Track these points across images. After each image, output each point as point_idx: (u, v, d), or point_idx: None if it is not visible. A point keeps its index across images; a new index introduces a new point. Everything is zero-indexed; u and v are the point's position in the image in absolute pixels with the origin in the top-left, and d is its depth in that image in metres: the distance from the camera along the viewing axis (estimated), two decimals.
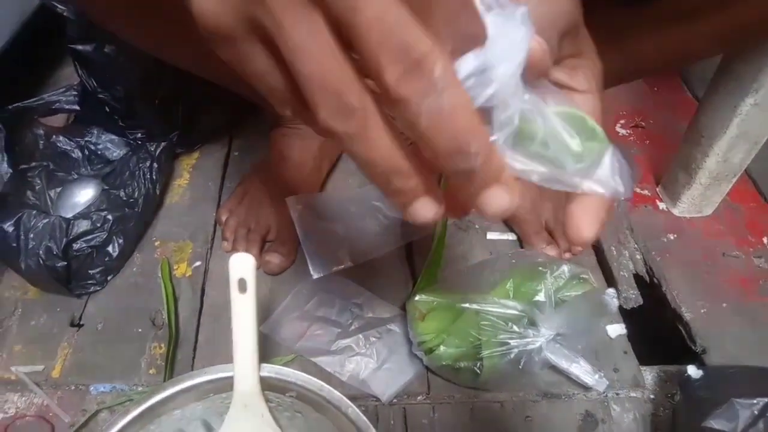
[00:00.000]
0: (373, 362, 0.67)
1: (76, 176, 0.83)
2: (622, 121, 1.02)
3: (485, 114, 0.23)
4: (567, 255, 0.77)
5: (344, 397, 0.48)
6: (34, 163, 0.79)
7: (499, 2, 0.23)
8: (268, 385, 0.49)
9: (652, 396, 0.66)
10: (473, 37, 0.23)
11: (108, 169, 0.82)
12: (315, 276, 0.73)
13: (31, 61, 1.03)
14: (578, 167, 0.25)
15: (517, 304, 0.62)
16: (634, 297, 0.76)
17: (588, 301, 0.63)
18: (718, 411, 0.53)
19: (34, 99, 0.80)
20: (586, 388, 0.65)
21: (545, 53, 0.26)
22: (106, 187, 0.79)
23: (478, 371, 0.61)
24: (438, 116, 0.21)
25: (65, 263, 0.71)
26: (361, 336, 0.69)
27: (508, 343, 0.60)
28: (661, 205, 0.88)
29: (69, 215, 0.74)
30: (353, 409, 0.47)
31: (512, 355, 0.60)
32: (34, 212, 0.70)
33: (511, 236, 0.82)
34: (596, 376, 0.64)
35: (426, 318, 0.65)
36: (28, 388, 0.65)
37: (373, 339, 0.69)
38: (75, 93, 0.82)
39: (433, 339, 0.63)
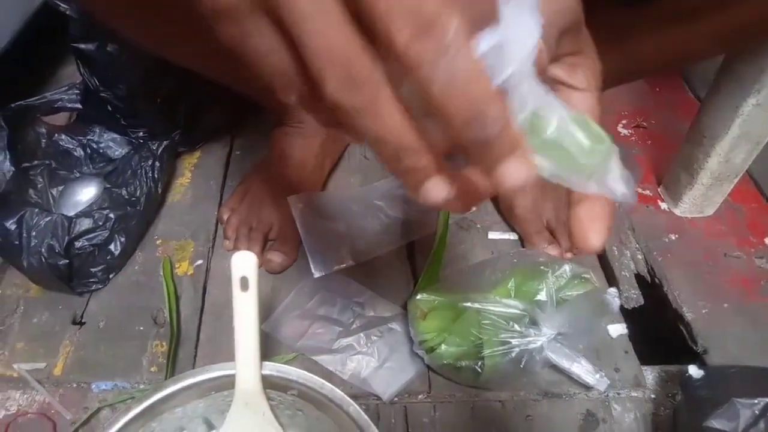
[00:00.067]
0: (374, 361, 0.67)
1: (78, 175, 0.83)
2: (624, 122, 1.02)
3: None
4: (568, 255, 0.77)
5: (345, 396, 0.48)
6: (36, 162, 0.79)
7: None
8: (269, 384, 0.49)
9: (653, 396, 0.66)
10: (485, 15, 0.22)
11: (110, 168, 0.82)
12: (316, 275, 0.73)
13: (33, 60, 1.04)
14: (588, 165, 0.25)
15: (518, 304, 0.62)
16: (635, 297, 0.76)
17: (589, 300, 0.63)
18: (719, 411, 0.53)
19: (37, 97, 0.80)
20: (587, 387, 0.65)
21: (542, 51, 0.26)
22: (108, 186, 0.79)
23: (479, 370, 0.61)
24: (452, 80, 0.20)
25: (67, 261, 0.71)
26: (362, 335, 0.69)
27: (510, 342, 0.60)
28: (663, 205, 0.88)
29: (71, 213, 0.75)
30: (354, 408, 0.47)
31: (513, 355, 0.60)
32: (37, 210, 0.70)
33: (513, 236, 0.82)
34: (597, 376, 0.64)
35: (427, 317, 0.65)
36: (30, 385, 0.65)
37: (375, 338, 0.69)
38: (77, 91, 0.83)
39: (435, 338, 0.64)
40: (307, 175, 0.84)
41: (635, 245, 0.82)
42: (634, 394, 0.66)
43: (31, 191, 0.77)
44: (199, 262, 0.79)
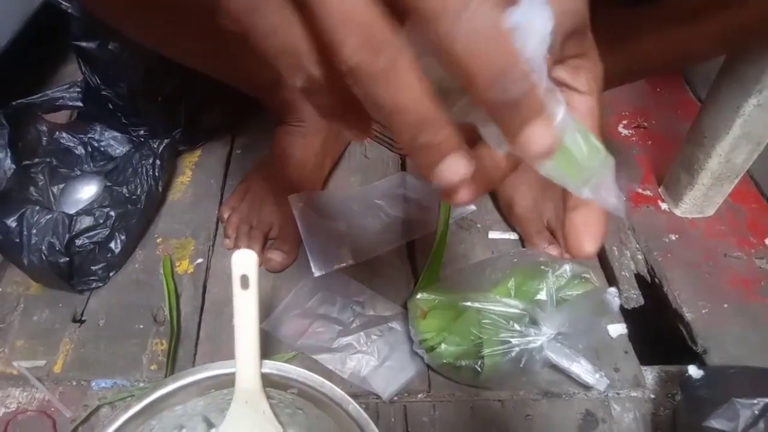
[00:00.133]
0: (374, 360, 0.67)
1: (79, 173, 0.83)
2: (625, 122, 1.02)
3: None
4: (568, 255, 0.77)
5: (345, 394, 0.48)
6: (37, 159, 0.79)
7: None
8: (269, 382, 0.49)
9: (652, 396, 0.66)
10: None
11: (111, 166, 0.82)
12: (316, 274, 0.73)
13: (34, 58, 1.04)
14: (587, 169, 0.25)
15: (518, 303, 0.62)
16: (635, 297, 0.76)
17: (589, 300, 0.63)
18: (719, 411, 0.53)
19: (38, 95, 0.80)
20: (586, 387, 0.65)
21: (552, 47, 0.26)
22: (109, 184, 0.79)
23: (479, 369, 0.61)
24: (476, 37, 0.19)
25: (68, 259, 0.71)
26: (362, 334, 0.69)
27: (509, 342, 0.60)
28: (663, 206, 0.88)
29: (72, 211, 0.75)
30: (354, 406, 0.47)
31: (513, 354, 0.60)
32: (37, 208, 0.71)
33: (513, 235, 0.82)
34: (597, 376, 0.64)
35: (427, 316, 0.65)
36: (29, 383, 0.65)
37: (375, 337, 0.69)
38: (78, 90, 0.83)
39: (434, 337, 0.64)
40: (308, 174, 0.84)
41: (635, 245, 0.82)
42: (633, 394, 0.66)
43: (32, 189, 0.77)
44: (200, 260, 0.79)
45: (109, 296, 0.75)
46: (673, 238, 0.83)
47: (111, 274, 0.76)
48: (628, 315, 0.74)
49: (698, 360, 0.70)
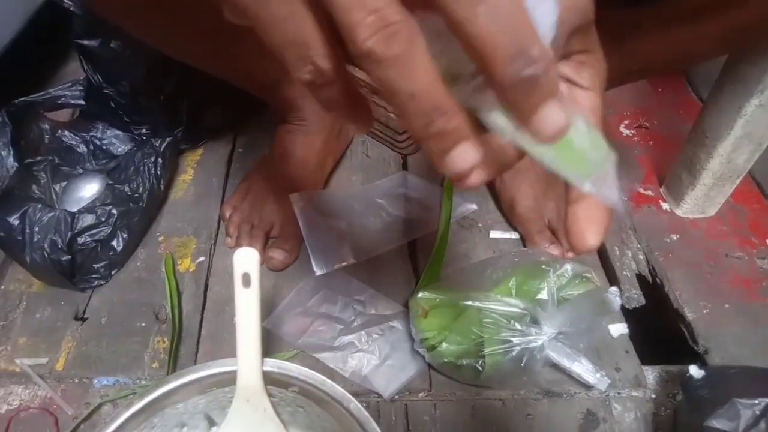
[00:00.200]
0: (375, 359, 0.67)
1: (81, 171, 0.83)
2: (626, 122, 1.02)
3: None
4: (570, 254, 0.77)
5: (346, 393, 0.48)
6: (39, 158, 0.79)
7: None
8: (270, 380, 0.50)
9: (653, 395, 0.66)
10: None
11: (113, 164, 0.83)
12: (318, 272, 0.73)
13: (37, 56, 1.04)
14: (591, 162, 0.25)
15: (519, 302, 0.62)
16: (636, 297, 0.76)
17: (590, 299, 0.63)
18: (720, 411, 0.53)
19: (40, 93, 0.81)
20: (587, 386, 0.65)
21: (558, 37, 0.26)
22: (111, 182, 0.79)
23: (480, 369, 0.61)
24: (497, 13, 0.19)
25: (70, 257, 0.71)
26: (363, 332, 0.69)
27: (510, 341, 0.60)
28: (665, 206, 0.88)
29: (74, 209, 0.75)
30: (355, 405, 0.47)
31: (514, 353, 0.60)
32: (40, 206, 0.71)
33: (514, 235, 0.82)
34: (598, 375, 0.64)
35: (428, 315, 0.65)
36: (32, 380, 0.66)
37: (376, 336, 0.69)
38: (81, 88, 0.83)
39: (436, 336, 0.64)
40: (309, 173, 0.84)
41: (637, 245, 0.82)
42: (634, 393, 0.66)
43: (34, 187, 0.77)
44: (201, 258, 0.79)
45: (111, 294, 0.75)
46: (675, 238, 0.83)
47: (113, 272, 0.76)
48: (629, 315, 0.74)
49: (699, 360, 0.70)
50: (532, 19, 0.20)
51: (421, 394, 0.66)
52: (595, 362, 0.65)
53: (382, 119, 0.91)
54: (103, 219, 0.74)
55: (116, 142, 0.86)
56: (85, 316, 0.72)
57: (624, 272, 0.79)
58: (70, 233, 0.71)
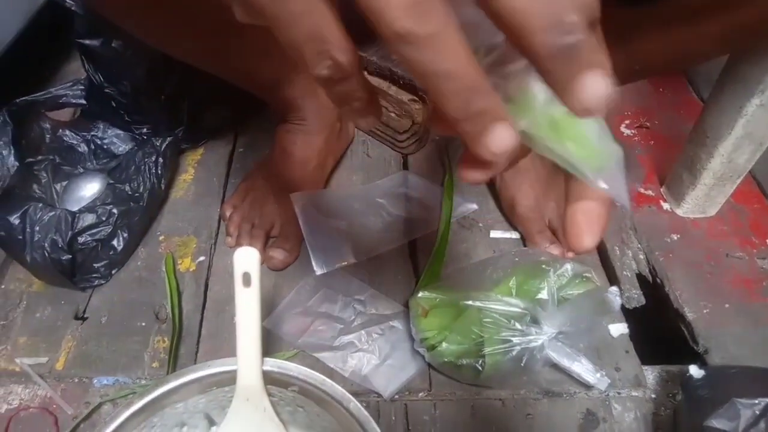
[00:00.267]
0: (375, 358, 0.67)
1: (81, 170, 0.83)
2: (627, 122, 1.02)
3: None
4: (570, 254, 0.77)
5: (346, 392, 0.48)
6: (40, 157, 0.79)
7: None
8: (270, 380, 0.50)
9: (653, 395, 0.66)
10: None
11: (113, 164, 0.83)
12: (318, 272, 0.73)
13: (38, 55, 1.04)
14: (605, 158, 0.25)
15: (519, 302, 0.62)
16: (636, 296, 0.76)
17: (590, 299, 0.63)
18: (720, 411, 0.53)
19: (41, 93, 0.81)
20: (587, 386, 0.65)
21: None
22: (112, 182, 0.79)
23: (480, 368, 0.61)
24: None
25: (70, 256, 0.71)
26: (363, 332, 0.69)
27: (511, 341, 0.60)
28: (665, 206, 0.87)
29: (74, 209, 0.75)
30: (355, 404, 0.47)
31: (514, 353, 0.60)
32: (40, 205, 0.71)
33: (515, 235, 0.82)
34: (598, 375, 0.64)
35: (428, 315, 0.65)
36: (32, 380, 0.66)
37: (376, 335, 0.69)
38: (82, 87, 0.83)
39: (436, 336, 0.64)
40: (310, 173, 0.84)
41: (637, 245, 0.82)
42: (634, 393, 0.66)
43: (35, 186, 0.77)
44: (202, 258, 0.79)
45: (112, 293, 0.75)
46: (675, 237, 0.83)
47: (113, 271, 0.76)
48: (629, 314, 0.74)
49: (699, 360, 0.70)
50: None
51: (421, 394, 0.66)
52: (595, 362, 0.65)
53: (383, 119, 0.91)
54: (104, 218, 0.74)
55: (117, 141, 0.86)
56: (85, 316, 0.72)
57: (624, 272, 0.79)
58: (70, 232, 0.71)
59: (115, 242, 0.75)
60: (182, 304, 0.73)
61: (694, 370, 0.59)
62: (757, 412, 0.52)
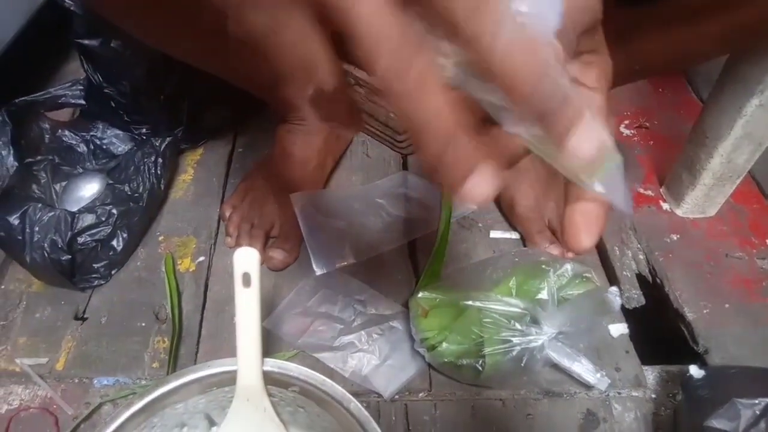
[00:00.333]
0: (375, 358, 0.67)
1: (81, 170, 0.83)
2: (627, 122, 1.02)
3: None
4: (570, 254, 0.77)
5: (346, 393, 0.48)
6: (39, 157, 0.79)
7: None
8: (270, 380, 0.50)
9: (653, 395, 0.66)
10: None
11: (113, 164, 0.83)
12: (318, 272, 0.73)
13: (37, 56, 1.04)
14: (604, 164, 0.25)
15: (519, 302, 0.62)
16: (636, 297, 0.76)
17: (590, 299, 0.63)
18: (720, 411, 0.53)
19: (41, 93, 0.81)
20: (587, 386, 0.65)
21: (567, 32, 0.26)
22: (111, 182, 0.79)
23: (480, 368, 0.61)
24: (513, 49, 0.20)
25: (70, 257, 0.71)
26: (363, 332, 0.69)
27: (511, 341, 0.60)
28: (665, 206, 0.87)
29: (74, 209, 0.75)
30: (355, 404, 0.47)
31: (514, 353, 0.60)
32: (40, 205, 0.71)
33: (515, 235, 0.82)
34: (598, 375, 0.64)
35: (428, 315, 0.65)
36: (32, 380, 0.66)
37: (376, 335, 0.69)
38: (81, 88, 0.83)
39: (436, 336, 0.64)
40: (309, 173, 0.84)
41: (637, 245, 0.82)
42: (634, 393, 0.66)
43: (34, 186, 0.77)
44: (201, 258, 0.79)
45: (111, 294, 0.75)
46: (675, 238, 0.83)
47: (113, 271, 0.76)
48: (629, 315, 0.74)
49: (699, 360, 0.70)
50: (528, 21, 0.21)
51: (421, 394, 0.66)
52: (595, 362, 0.65)
53: (382, 119, 0.91)
54: (103, 219, 0.74)
55: (116, 141, 0.86)
56: (85, 316, 0.72)
57: (624, 272, 0.79)
58: (70, 233, 0.71)
59: (114, 242, 0.75)
60: (182, 304, 0.73)
61: (694, 370, 0.59)
62: (758, 412, 0.52)
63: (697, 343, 0.71)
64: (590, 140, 0.21)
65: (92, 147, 0.85)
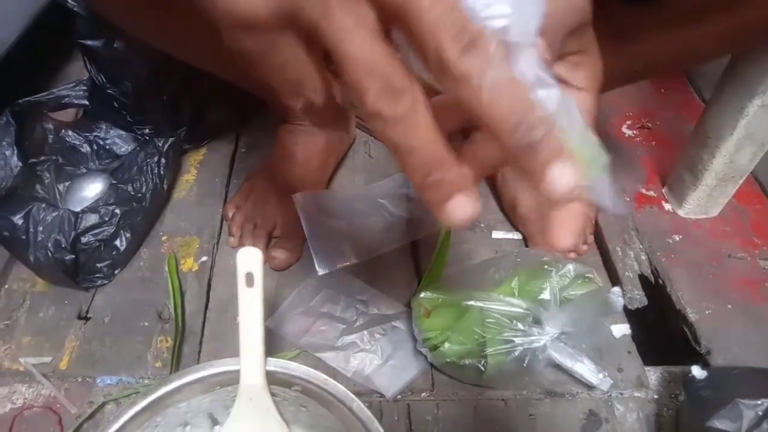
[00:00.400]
0: (377, 358, 0.67)
1: (84, 170, 0.84)
2: (629, 122, 1.02)
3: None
4: (572, 254, 0.77)
5: (349, 392, 0.48)
6: (43, 157, 0.80)
7: None
8: (273, 379, 0.50)
9: (655, 396, 0.66)
10: None
11: (116, 164, 0.83)
12: (320, 272, 0.73)
13: (41, 56, 1.04)
14: (587, 164, 0.25)
15: (521, 302, 0.62)
16: (638, 297, 0.76)
17: (593, 300, 0.63)
18: (722, 411, 0.53)
19: (44, 94, 0.81)
20: (589, 387, 0.65)
21: (551, 32, 0.26)
22: (114, 182, 0.79)
23: (483, 369, 0.61)
24: (499, 88, 0.21)
25: (73, 256, 0.71)
26: (365, 332, 0.69)
27: (513, 341, 0.60)
28: (667, 206, 0.87)
29: (77, 209, 0.75)
30: (358, 404, 0.47)
31: (516, 353, 0.60)
32: (44, 205, 0.71)
33: (517, 235, 0.82)
34: (600, 376, 0.64)
35: (431, 315, 0.65)
36: (35, 379, 0.66)
37: (378, 335, 0.69)
38: (84, 88, 0.83)
39: (438, 336, 0.64)
40: (312, 173, 0.84)
41: (639, 246, 0.82)
42: (637, 394, 0.66)
43: (38, 186, 0.78)
44: (204, 258, 0.79)
45: (114, 293, 0.75)
46: (677, 238, 0.83)
47: (116, 271, 0.76)
48: (631, 315, 0.74)
49: (702, 360, 0.70)
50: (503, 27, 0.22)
51: (423, 394, 0.66)
52: (597, 363, 0.65)
53: None
54: (107, 218, 0.74)
55: (119, 141, 0.86)
56: (88, 316, 0.73)
57: (626, 273, 0.79)
58: (73, 233, 0.71)
59: (117, 242, 0.75)
60: (185, 304, 0.73)
61: (697, 371, 0.59)
62: (760, 413, 0.52)
63: (700, 344, 0.71)
64: (566, 180, 0.22)
65: (95, 147, 0.85)
